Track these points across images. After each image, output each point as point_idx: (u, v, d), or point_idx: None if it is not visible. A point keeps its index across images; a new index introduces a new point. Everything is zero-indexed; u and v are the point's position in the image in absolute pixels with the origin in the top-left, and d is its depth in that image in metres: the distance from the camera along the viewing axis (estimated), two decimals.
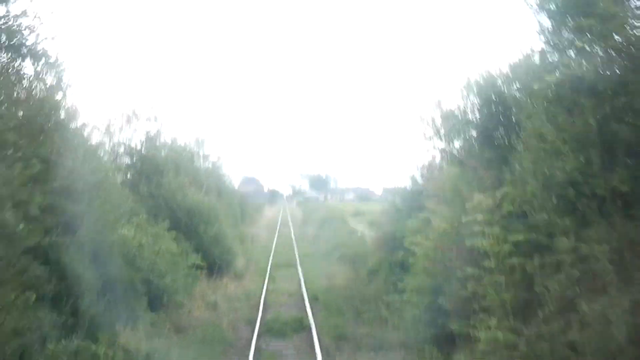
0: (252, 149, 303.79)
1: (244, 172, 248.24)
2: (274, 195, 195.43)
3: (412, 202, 23.28)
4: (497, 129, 13.53)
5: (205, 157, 42.51)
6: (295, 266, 33.31)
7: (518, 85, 12.88)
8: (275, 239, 49.50)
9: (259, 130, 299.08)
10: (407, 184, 26.56)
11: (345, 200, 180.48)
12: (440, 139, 14.40)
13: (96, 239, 15.26)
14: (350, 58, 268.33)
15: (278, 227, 63.67)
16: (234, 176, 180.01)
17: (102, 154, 22.82)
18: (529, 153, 10.82)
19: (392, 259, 22.90)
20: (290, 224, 70.97)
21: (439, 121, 14.50)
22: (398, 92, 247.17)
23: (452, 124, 14.21)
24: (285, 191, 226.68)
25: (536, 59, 11.38)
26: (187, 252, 23.09)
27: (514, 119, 12.97)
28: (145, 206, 24.78)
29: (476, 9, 74.40)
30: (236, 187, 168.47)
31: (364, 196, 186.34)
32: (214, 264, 27.19)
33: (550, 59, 10.30)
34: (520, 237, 10.71)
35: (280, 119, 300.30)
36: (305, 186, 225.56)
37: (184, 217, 27.18)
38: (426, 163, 23.66)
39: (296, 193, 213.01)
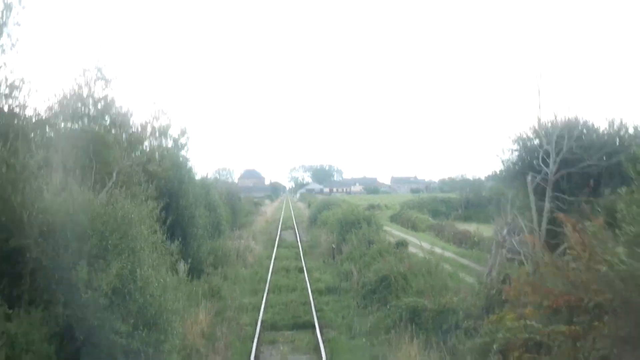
0: (254, 141, 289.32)
1: (245, 165, 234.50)
2: (275, 189, 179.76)
3: None
4: None
5: (155, 129, 25.10)
6: (312, 329, 16.06)
7: None
8: (274, 256, 31.64)
9: (260, 122, 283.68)
10: None
11: (352, 192, 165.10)
12: None
13: None
14: (351, 43, 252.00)
15: (279, 233, 46.02)
16: (235, 169, 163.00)
17: None
18: None
19: None
20: (296, 226, 53.30)
21: None
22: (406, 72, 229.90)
23: None
24: (288, 184, 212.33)
25: None
26: None
27: None
28: None
29: None
30: (236, 180, 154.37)
31: (372, 187, 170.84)
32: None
33: None
34: None
35: (281, 110, 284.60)
36: (307, 178, 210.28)
37: (34, 247, 10.27)
38: None
39: (299, 186, 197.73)
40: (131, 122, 25.44)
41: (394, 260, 19.40)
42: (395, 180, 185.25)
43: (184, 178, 25.11)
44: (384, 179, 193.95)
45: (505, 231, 14.30)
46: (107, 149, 14.40)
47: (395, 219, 61.04)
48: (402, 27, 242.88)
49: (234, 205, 51.76)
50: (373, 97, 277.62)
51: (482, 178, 77.10)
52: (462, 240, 40.37)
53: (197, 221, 25.13)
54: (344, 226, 30.52)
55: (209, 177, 54.32)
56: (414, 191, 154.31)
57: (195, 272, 23.63)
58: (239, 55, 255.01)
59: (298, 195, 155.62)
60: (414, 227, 53.61)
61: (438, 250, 34.34)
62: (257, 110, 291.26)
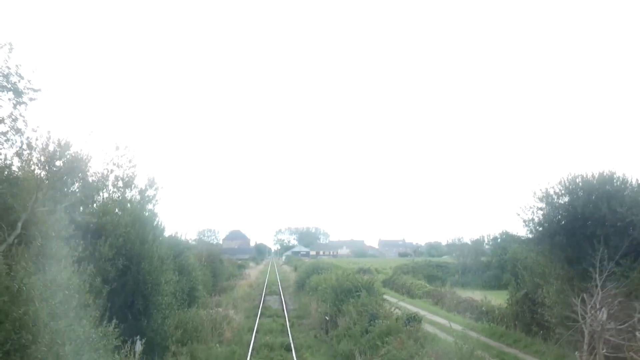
0: (240, 203, 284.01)
1: (231, 226, 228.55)
2: (260, 251, 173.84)
3: None
4: None
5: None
6: None
7: None
8: (256, 328, 26.36)
9: (247, 183, 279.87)
10: None
11: (339, 255, 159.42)
12: None
13: None
14: (338, 105, 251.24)
15: (262, 299, 40.81)
16: (221, 230, 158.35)
17: None
18: None
19: None
20: (281, 291, 48.27)
21: None
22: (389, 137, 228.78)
23: None
24: (273, 246, 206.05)
25: None
26: None
27: None
28: None
29: None
30: (221, 241, 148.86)
31: (360, 250, 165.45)
32: None
33: None
34: None
35: (268, 172, 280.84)
36: (293, 241, 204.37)
37: None
38: None
39: (284, 248, 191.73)
40: (87, 168, 21.31)
41: (412, 345, 14.53)
42: (383, 244, 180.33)
43: (148, 236, 20.39)
44: (371, 242, 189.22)
45: (604, 315, 9.58)
46: (11, 189, 9.67)
47: (388, 284, 56.18)
48: (383, 89, 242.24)
49: (215, 268, 46.85)
50: (360, 160, 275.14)
51: (469, 242, 72.44)
52: (467, 309, 35.66)
53: (162, 288, 20.40)
54: (339, 294, 25.67)
55: (184, 236, 49.41)
56: (402, 255, 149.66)
57: (157, 350, 18.78)
58: (226, 117, 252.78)
59: (284, 257, 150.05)
60: (409, 293, 48.83)
61: (441, 320, 29.55)
62: (244, 171, 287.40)
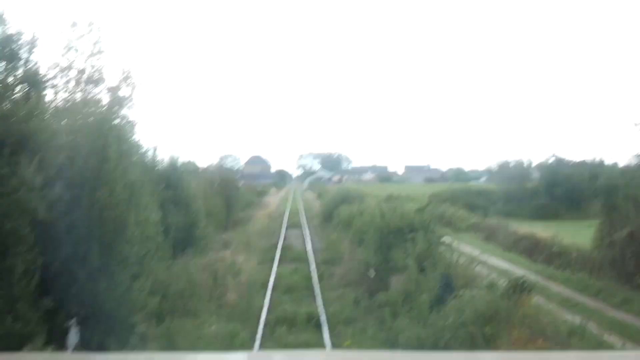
0: (261, 127, 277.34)
1: (252, 152, 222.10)
2: (282, 176, 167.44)
3: None
4: None
5: None
6: None
7: None
8: (272, 283, 18.92)
9: (269, 108, 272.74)
10: None
11: (362, 181, 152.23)
12: None
13: None
14: (362, 27, 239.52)
15: (283, 235, 33.79)
16: (242, 156, 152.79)
17: None
18: None
19: None
20: (305, 223, 41.52)
21: None
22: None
23: None
24: (295, 171, 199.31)
25: None
26: None
27: None
28: None
29: None
30: (241, 166, 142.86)
31: (384, 176, 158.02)
32: None
33: None
34: None
35: (290, 97, 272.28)
36: (316, 165, 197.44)
37: None
38: None
39: (307, 173, 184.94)
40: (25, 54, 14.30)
41: None
42: (409, 169, 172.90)
43: (110, 153, 12.96)
44: (394, 168, 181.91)
45: None
46: None
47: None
48: (411, 12, 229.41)
49: (230, 196, 39.76)
50: (383, 84, 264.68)
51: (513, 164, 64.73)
52: (532, 250, 28.41)
53: (132, 232, 13.08)
54: (386, 237, 18.30)
55: (196, 160, 42.33)
56: (427, 180, 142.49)
57: (118, 331, 11.79)
58: (248, 40, 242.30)
59: (306, 183, 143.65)
60: (450, 225, 41.60)
61: (503, 265, 22.44)
62: (266, 95, 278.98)
